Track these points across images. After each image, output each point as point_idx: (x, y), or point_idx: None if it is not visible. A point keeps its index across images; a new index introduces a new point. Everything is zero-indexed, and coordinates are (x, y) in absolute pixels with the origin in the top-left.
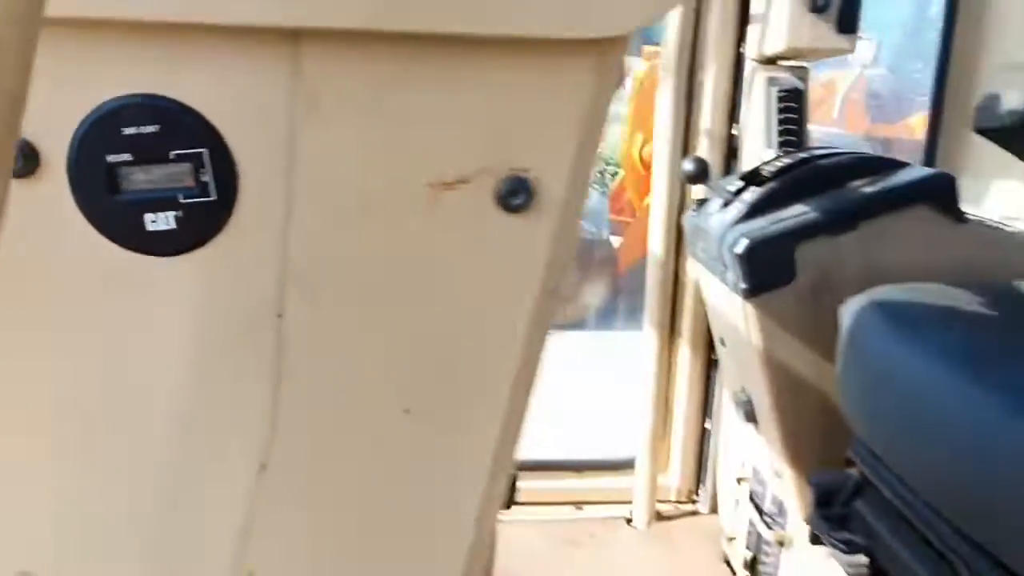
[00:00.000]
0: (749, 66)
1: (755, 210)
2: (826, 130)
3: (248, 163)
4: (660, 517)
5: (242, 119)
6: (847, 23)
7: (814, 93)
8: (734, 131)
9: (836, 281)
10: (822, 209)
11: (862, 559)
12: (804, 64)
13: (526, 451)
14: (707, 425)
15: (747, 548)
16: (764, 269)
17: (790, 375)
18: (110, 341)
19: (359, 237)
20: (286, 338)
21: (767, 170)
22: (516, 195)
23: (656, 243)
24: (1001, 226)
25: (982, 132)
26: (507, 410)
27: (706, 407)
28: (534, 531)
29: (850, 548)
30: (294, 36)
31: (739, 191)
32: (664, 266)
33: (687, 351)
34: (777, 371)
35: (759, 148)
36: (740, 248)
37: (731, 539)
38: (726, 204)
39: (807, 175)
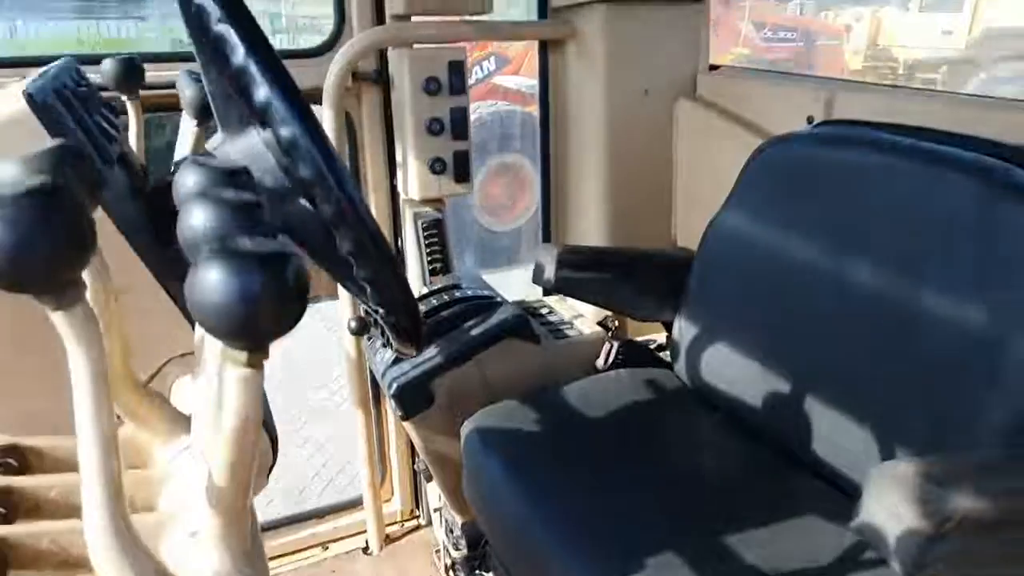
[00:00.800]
0: (402, 205)
1: (401, 356)
2: None
3: None
4: (389, 539)
5: None
6: (462, 176)
7: None
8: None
9: (464, 399)
10: (446, 350)
11: None
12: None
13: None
14: (416, 466)
15: (448, 557)
16: (410, 401)
17: (444, 457)
18: None
19: None
20: None
21: None
22: None
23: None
24: (567, 335)
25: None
26: None
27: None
28: None
29: None
30: None
31: None
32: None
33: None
34: (434, 457)
35: (416, 280)
36: (393, 390)
37: (437, 550)
38: (384, 345)
39: (436, 325)
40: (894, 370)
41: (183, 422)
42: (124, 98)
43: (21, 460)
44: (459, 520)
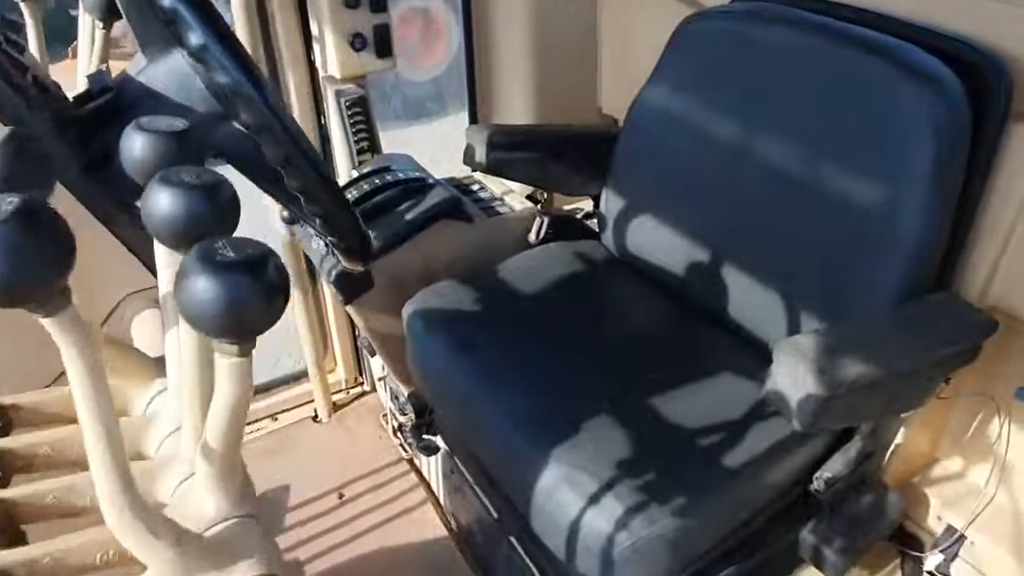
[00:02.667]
0: (322, 83)
1: None
2: None
3: None
4: (337, 407)
5: None
6: (384, 51)
7: None
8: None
9: (403, 280)
10: (382, 235)
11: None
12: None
13: None
14: (358, 341)
15: (394, 419)
16: (350, 287)
17: (387, 335)
18: None
19: None
20: None
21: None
22: None
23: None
24: (499, 212)
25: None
26: None
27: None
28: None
29: (429, 452)
30: None
31: None
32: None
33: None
34: (377, 336)
35: (345, 161)
36: (332, 278)
37: (384, 414)
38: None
39: (370, 210)
40: (801, 239)
41: (152, 366)
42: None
43: (3, 418)
44: (404, 390)
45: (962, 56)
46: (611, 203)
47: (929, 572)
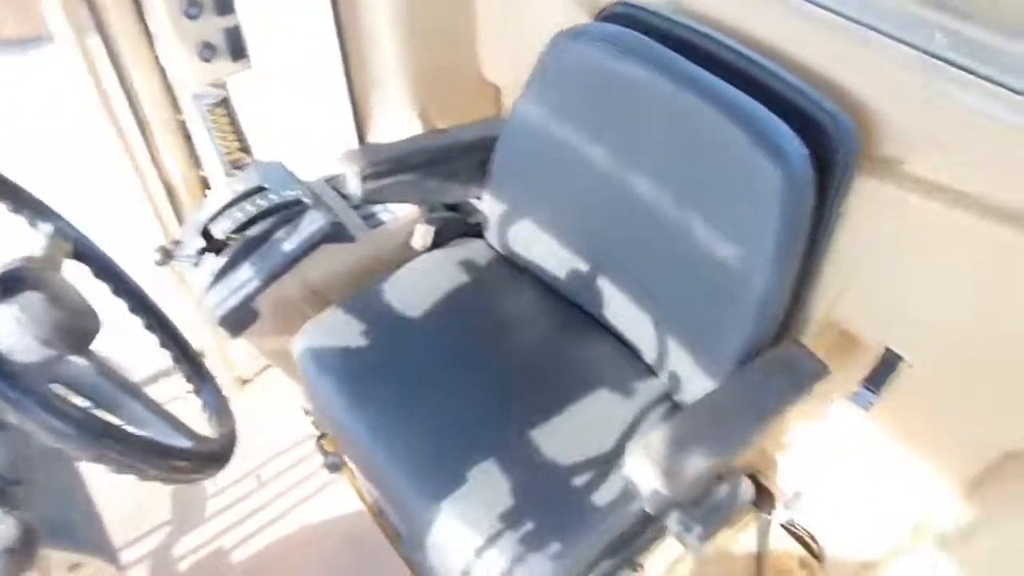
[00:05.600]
0: (175, 84)
1: (218, 278)
2: None
3: None
4: (244, 382)
5: None
6: (238, 53)
7: None
8: (202, 172)
9: (288, 308)
10: (262, 267)
11: None
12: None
13: None
14: None
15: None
16: (236, 323)
17: (281, 354)
18: None
19: None
20: None
21: (219, 231)
22: None
23: None
24: (381, 220)
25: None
26: None
27: None
28: None
29: (334, 469)
30: None
31: (198, 255)
32: None
33: None
34: (272, 357)
35: (219, 169)
36: (216, 319)
37: None
38: (196, 265)
39: (248, 242)
40: (666, 271)
41: None
42: None
43: None
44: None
45: (808, 113)
46: (492, 207)
47: (780, 524)
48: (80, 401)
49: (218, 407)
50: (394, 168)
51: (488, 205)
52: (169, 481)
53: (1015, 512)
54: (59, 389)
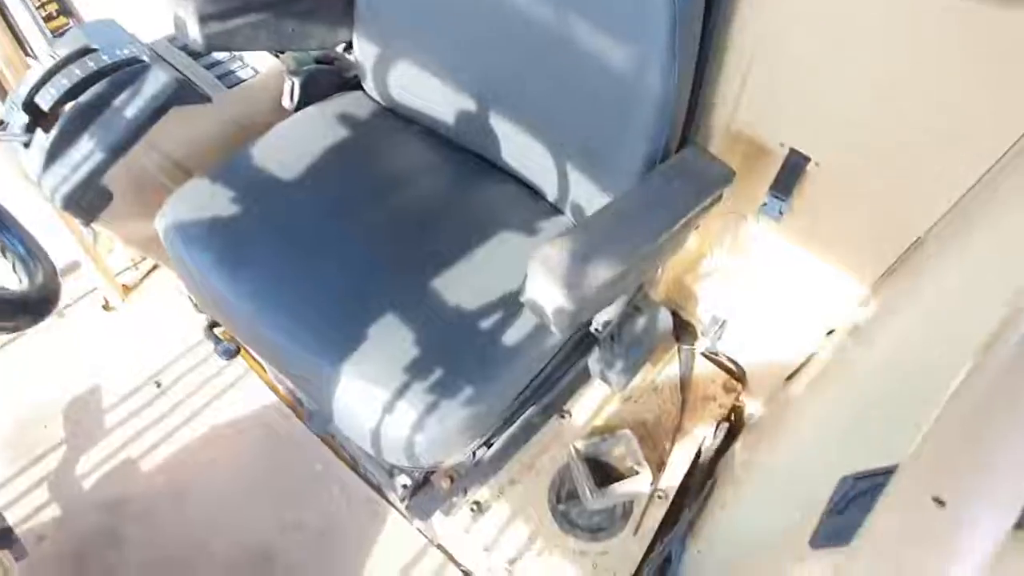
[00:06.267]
0: None
1: (52, 156)
2: None
3: None
4: (128, 289)
5: None
6: None
7: None
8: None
9: (147, 183)
10: (105, 139)
11: None
12: None
13: None
14: None
15: None
16: (85, 206)
17: (148, 241)
18: None
19: None
20: None
21: (44, 101)
22: None
23: None
24: (240, 79)
25: None
26: None
27: None
28: None
29: (229, 355)
30: None
31: (28, 134)
32: None
33: None
34: (140, 244)
35: (39, 41)
36: (60, 202)
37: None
38: (26, 145)
39: (83, 111)
40: (558, 90)
41: None
42: None
43: None
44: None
45: None
46: (364, 50)
47: (702, 353)
48: None
49: (25, 254)
50: (240, 7)
51: (360, 50)
52: None
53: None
54: None
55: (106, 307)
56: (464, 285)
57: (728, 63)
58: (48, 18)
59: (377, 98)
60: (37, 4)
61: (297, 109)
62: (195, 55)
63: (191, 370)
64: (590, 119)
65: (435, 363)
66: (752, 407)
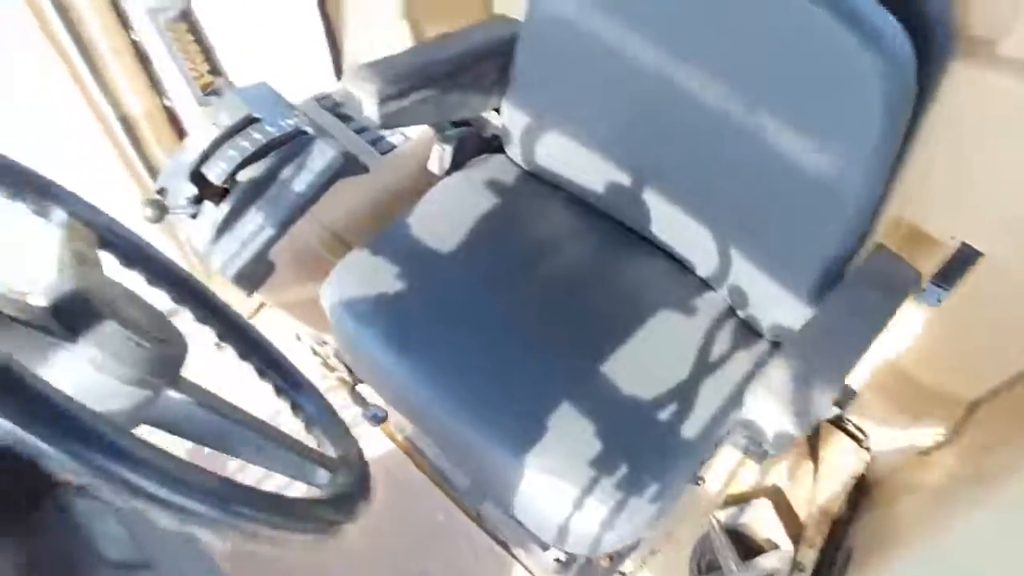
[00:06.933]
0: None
1: (221, 230)
2: None
3: None
4: None
5: None
6: None
7: None
8: (167, 101)
9: (307, 254)
10: (273, 215)
11: None
12: None
13: None
14: None
15: (313, 342)
16: (251, 279)
17: (302, 304)
18: None
19: None
20: None
21: (214, 174)
22: None
23: None
24: (392, 144)
25: None
26: None
27: None
28: None
29: (377, 421)
30: None
31: (196, 205)
32: None
33: None
34: (291, 306)
35: (183, 90)
36: (229, 276)
37: (297, 334)
38: (195, 216)
39: (251, 187)
40: (732, 180)
41: None
42: None
43: None
44: (329, 345)
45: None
46: (513, 117)
47: (828, 421)
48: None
49: (327, 423)
50: (414, 85)
51: (509, 116)
52: (313, 543)
53: None
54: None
55: (219, 344)
56: (631, 370)
57: (914, 156)
58: (198, 75)
59: (521, 163)
60: (185, 57)
61: (447, 174)
62: (344, 118)
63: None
64: (773, 212)
65: (619, 457)
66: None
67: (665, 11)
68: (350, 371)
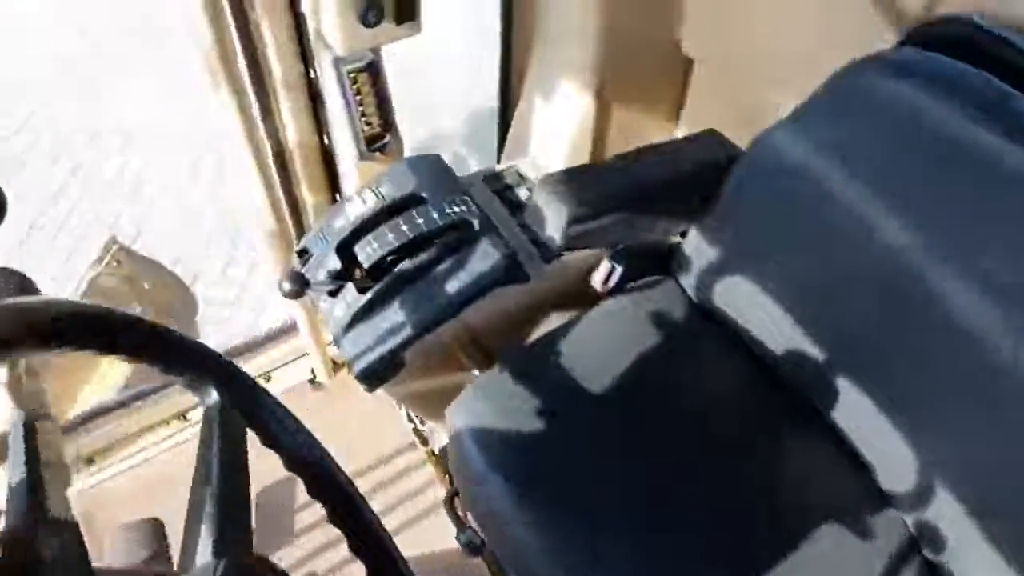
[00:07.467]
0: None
1: (359, 317)
2: None
3: None
4: (337, 366)
5: None
6: (406, 15)
7: None
8: (326, 140)
9: (439, 357)
10: (418, 313)
11: None
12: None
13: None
14: None
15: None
16: (376, 376)
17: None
18: None
19: None
20: None
21: (365, 256)
22: None
23: None
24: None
25: None
26: None
27: None
28: None
29: (473, 551)
30: None
31: (338, 281)
32: None
33: None
34: (408, 402)
35: (349, 147)
36: (357, 372)
37: None
38: (332, 293)
39: (401, 277)
40: (974, 397)
41: None
42: None
43: None
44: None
45: None
46: (700, 249)
47: None
48: None
49: None
50: (610, 207)
51: (696, 246)
52: None
53: None
54: None
55: (313, 381)
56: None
57: None
58: (368, 125)
59: (690, 293)
60: (360, 107)
61: (610, 292)
62: (513, 206)
63: (391, 482)
64: (1000, 447)
65: None
66: None
67: (917, 188)
68: (451, 480)
